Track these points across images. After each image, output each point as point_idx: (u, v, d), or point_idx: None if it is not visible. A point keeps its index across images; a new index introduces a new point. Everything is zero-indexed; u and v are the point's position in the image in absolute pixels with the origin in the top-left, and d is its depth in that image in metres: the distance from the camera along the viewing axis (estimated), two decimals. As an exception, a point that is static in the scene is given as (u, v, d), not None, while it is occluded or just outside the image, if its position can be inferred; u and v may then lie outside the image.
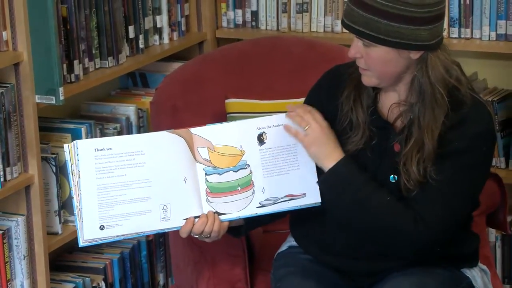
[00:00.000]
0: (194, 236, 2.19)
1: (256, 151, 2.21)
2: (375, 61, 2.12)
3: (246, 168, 2.20)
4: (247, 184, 2.20)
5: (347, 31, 2.98)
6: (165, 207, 2.16)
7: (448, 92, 2.13)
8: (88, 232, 2.12)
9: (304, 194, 2.21)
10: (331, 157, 2.18)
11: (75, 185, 2.13)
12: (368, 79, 2.17)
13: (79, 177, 2.11)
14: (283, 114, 2.22)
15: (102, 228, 2.12)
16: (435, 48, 2.11)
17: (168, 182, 2.16)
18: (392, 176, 2.18)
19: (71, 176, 2.13)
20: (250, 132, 2.21)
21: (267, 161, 2.21)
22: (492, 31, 3.05)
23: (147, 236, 3.07)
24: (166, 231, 2.19)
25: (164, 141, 2.17)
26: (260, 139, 2.21)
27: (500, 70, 3.17)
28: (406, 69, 2.14)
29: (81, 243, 2.13)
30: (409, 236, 2.13)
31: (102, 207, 2.12)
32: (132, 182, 2.14)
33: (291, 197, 2.21)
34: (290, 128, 2.20)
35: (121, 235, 2.15)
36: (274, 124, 2.22)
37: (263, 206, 2.21)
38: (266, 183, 2.21)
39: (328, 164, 2.17)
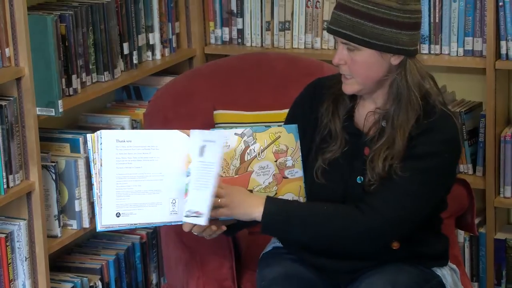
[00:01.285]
0: (194, 233, 2.18)
1: (195, 162, 2.14)
2: (359, 65, 2.12)
3: (188, 175, 2.15)
4: (186, 191, 2.15)
5: (326, 48, 3.00)
6: (173, 201, 2.15)
7: (420, 96, 2.14)
8: (106, 218, 2.11)
9: (201, 214, 2.12)
10: (253, 208, 2.14)
11: (96, 173, 2.12)
12: (350, 87, 2.17)
13: (101, 165, 2.10)
14: (227, 131, 2.19)
15: (118, 215, 2.11)
16: (413, 54, 2.13)
17: (177, 177, 2.14)
18: (358, 177, 2.19)
19: (92, 164, 2.12)
20: (198, 142, 2.15)
21: (198, 173, 2.13)
22: (460, 47, 3.06)
23: (141, 238, 3.06)
24: (173, 224, 2.17)
25: (175, 139, 2.15)
26: (201, 151, 2.14)
27: (467, 83, 3.18)
28: (387, 74, 2.15)
29: (99, 228, 2.12)
30: (364, 224, 2.11)
31: (119, 195, 2.11)
32: (147, 174, 2.13)
33: (198, 214, 2.12)
34: (214, 212, 2.12)
35: (134, 224, 2.14)
36: (212, 139, 2.15)
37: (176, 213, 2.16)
38: (191, 195, 2.14)
39: (256, 214, 2.14)
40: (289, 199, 2.21)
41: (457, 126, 2.19)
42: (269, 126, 2.24)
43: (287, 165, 2.22)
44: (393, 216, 2.12)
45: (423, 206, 2.18)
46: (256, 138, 2.21)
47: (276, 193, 2.21)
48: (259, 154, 2.21)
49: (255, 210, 2.14)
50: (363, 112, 2.22)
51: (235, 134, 2.20)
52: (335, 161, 2.20)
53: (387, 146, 2.13)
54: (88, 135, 2.13)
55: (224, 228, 2.20)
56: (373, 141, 2.17)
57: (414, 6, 2.10)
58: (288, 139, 2.23)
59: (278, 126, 2.24)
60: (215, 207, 2.12)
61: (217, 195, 2.11)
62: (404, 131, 2.12)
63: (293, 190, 2.23)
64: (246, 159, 2.20)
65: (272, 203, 2.15)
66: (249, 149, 2.20)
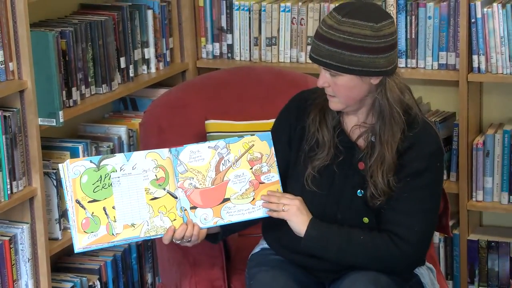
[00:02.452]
0: (176, 242, 2.17)
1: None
2: (341, 88, 2.12)
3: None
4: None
5: (310, 62, 2.98)
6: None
7: (402, 111, 2.14)
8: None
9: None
10: (301, 226, 2.19)
11: (69, 199, 2.10)
12: (335, 105, 2.17)
13: (72, 192, 2.09)
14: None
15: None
16: (391, 73, 2.13)
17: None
18: (359, 191, 2.19)
19: (65, 191, 2.10)
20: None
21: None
22: (435, 61, 3.07)
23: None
24: (152, 238, 2.17)
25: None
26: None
27: (442, 94, 3.19)
28: (368, 93, 2.15)
29: (76, 250, 2.10)
30: (397, 256, 2.16)
31: None
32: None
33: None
34: (272, 212, 2.20)
35: (111, 242, 2.11)
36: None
37: None
38: None
39: (303, 230, 2.18)
40: None
41: (437, 133, 2.21)
42: (242, 136, 2.23)
43: (263, 171, 2.22)
44: (421, 241, 2.18)
45: (436, 216, 2.25)
46: (230, 149, 2.20)
47: (253, 198, 2.20)
48: (234, 163, 2.20)
49: (302, 228, 2.18)
50: (349, 124, 2.23)
51: (209, 147, 2.20)
52: (326, 170, 2.20)
53: (380, 162, 2.14)
54: (59, 165, 2.10)
55: (204, 233, 2.19)
56: (367, 157, 2.17)
57: (387, 30, 2.09)
58: (262, 146, 2.22)
59: (251, 135, 2.23)
60: (276, 210, 2.18)
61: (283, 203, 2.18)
62: (392, 146, 2.14)
63: None
64: (221, 170, 2.19)
65: (313, 228, 2.17)
66: (223, 160, 2.20)
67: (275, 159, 2.23)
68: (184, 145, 2.19)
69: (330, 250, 2.18)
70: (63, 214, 2.73)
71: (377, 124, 2.15)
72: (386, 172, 2.13)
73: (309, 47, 3.18)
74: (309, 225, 2.17)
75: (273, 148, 2.23)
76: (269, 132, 2.25)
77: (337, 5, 2.15)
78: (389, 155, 2.13)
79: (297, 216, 2.18)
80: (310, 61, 3.14)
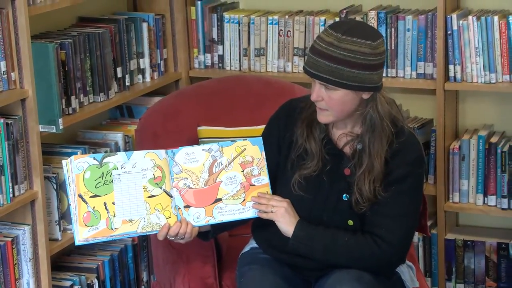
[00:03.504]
0: (170, 238, 2.16)
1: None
2: (335, 102, 2.12)
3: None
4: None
5: (296, 71, 2.98)
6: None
7: (391, 123, 2.15)
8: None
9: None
10: (289, 227, 2.19)
11: (71, 194, 2.09)
12: (325, 118, 2.16)
13: (75, 187, 2.08)
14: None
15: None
16: (381, 88, 2.14)
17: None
18: (344, 195, 2.19)
19: (68, 186, 2.09)
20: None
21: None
22: (413, 71, 3.08)
23: (133, 240, 3.04)
24: (147, 234, 2.16)
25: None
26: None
27: (420, 102, 3.20)
28: (358, 107, 2.15)
29: (77, 243, 2.09)
30: (379, 256, 2.16)
31: None
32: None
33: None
34: (262, 213, 2.20)
35: (110, 236, 2.10)
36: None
37: None
38: None
39: (290, 231, 2.18)
40: None
41: (419, 142, 2.22)
42: (235, 141, 2.23)
43: (254, 174, 2.22)
44: (403, 243, 2.18)
45: (416, 219, 2.25)
46: (223, 152, 2.20)
47: (244, 199, 2.20)
48: (226, 166, 2.20)
49: (289, 229, 2.18)
50: (336, 133, 2.22)
51: (203, 150, 2.20)
52: (314, 177, 2.20)
53: (368, 171, 2.14)
54: (63, 161, 2.10)
55: (196, 231, 2.19)
56: (352, 163, 2.17)
57: (382, 48, 2.10)
58: (254, 150, 2.22)
59: (244, 140, 2.23)
60: (266, 212, 2.18)
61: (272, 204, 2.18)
62: (380, 157, 2.14)
63: None
64: (214, 171, 2.19)
65: (300, 229, 2.17)
66: (216, 162, 2.20)
67: (266, 163, 2.23)
68: (180, 147, 2.19)
69: (315, 250, 2.17)
70: (63, 216, 2.72)
71: (366, 135, 2.15)
72: (374, 181, 2.13)
73: (295, 58, 3.19)
74: (296, 226, 2.17)
75: (264, 153, 2.23)
76: (261, 137, 2.25)
77: (331, 23, 2.16)
78: (378, 165, 2.13)
79: (284, 218, 2.18)
80: (296, 71, 3.18)
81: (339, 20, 2.19)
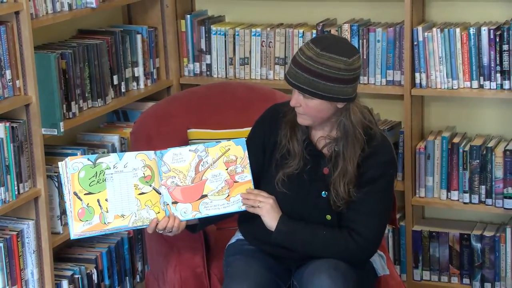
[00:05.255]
0: (159, 232, 2.16)
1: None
2: (311, 109, 2.14)
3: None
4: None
5: (277, 79, 2.97)
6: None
7: (363, 130, 2.16)
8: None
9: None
10: (273, 221, 2.19)
11: (67, 193, 2.07)
12: (303, 120, 2.18)
13: (70, 185, 2.06)
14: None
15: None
16: (354, 99, 2.15)
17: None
18: (323, 192, 2.20)
19: (64, 185, 2.07)
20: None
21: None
22: (383, 78, 3.09)
23: (128, 233, 3.02)
24: (138, 228, 2.16)
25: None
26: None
27: (389, 106, 3.21)
28: (333, 115, 2.16)
29: (72, 236, 2.08)
30: (353, 249, 2.16)
31: None
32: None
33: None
34: (249, 208, 2.19)
35: (103, 230, 2.09)
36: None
37: None
38: None
39: (274, 225, 2.18)
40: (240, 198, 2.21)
41: (392, 145, 2.23)
42: (219, 141, 2.22)
43: (237, 171, 2.21)
44: (375, 237, 2.19)
45: (388, 216, 2.26)
46: (208, 152, 2.20)
47: (228, 195, 2.20)
48: (211, 164, 2.20)
49: (273, 224, 2.18)
50: (315, 136, 2.23)
51: (189, 150, 2.19)
52: (296, 175, 2.20)
53: (343, 174, 2.15)
54: (59, 163, 2.09)
55: (184, 224, 2.18)
56: (330, 163, 2.18)
57: (357, 64, 2.11)
58: (237, 150, 2.22)
59: (227, 140, 2.23)
60: (253, 206, 2.18)
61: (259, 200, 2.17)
62: (353, 162, 2.15)
63: (243, 191, 2.22)
64: (200, 170, 2.19)
65: (282, 224, 2.17)
66: (202, 161, 2.19)
67: (248, 161, 2.22)
68: (168, 148, 2.19)
69: (296, 243, 2.18)
70: (64, 212, 2.70)
71: (340, 141, 2.17)
72: (348, 183, 2.15)
73: (276, 66, 3.19)
74: (279, 221, 2.17)
75: (246, 152, 2.22)
76: (244, 138, 2.25)
77: (314, 37, 2.18)
78: (351, 169, 2.15)
79: (269, 213, 2.18)
80: (277, 78, 3.18)
81: (321, 35, 2.22)
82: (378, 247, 2.25)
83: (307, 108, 2.14)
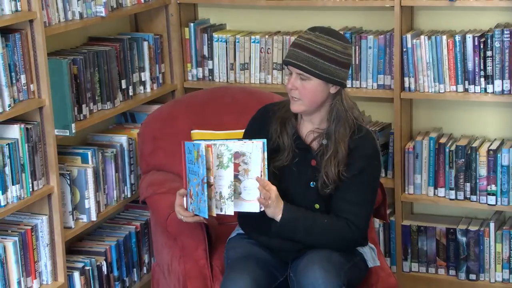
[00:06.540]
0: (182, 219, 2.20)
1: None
2: (308, 91, 2.15)
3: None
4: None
5: (275, 83, 2.97)
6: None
7: (353, 120, 2.18)
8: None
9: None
10: (278, 211, 2.17)
11: (201, 178, 2.07)
12: (298, 107, 2.19)
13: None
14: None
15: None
16: (345, 86, 2.19)
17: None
18: (312, 183, 2.21)
19: (199, 169, 2.07)
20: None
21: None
22: (374, 82, 3.09)
23: (136, 227, 3.03)
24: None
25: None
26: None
27: (380, 109, 3.21)
28: (326, 100, 2.17)
29: (207, 216, 2.09)
30: (349, 238, 2.19)
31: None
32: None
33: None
34: (260, 199, 2.15)
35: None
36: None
37: None
38: None
39: (279, 214, 2.17)
40: None
41: (375, 139, 2.26)
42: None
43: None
44: (365, 225, 2.22)
45: (374, 205, 2.28)
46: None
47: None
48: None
49: (278, 212, 2.16)
50: (304, 130, 2.24)
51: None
52: (286, 168, 2.21)
53: (333, 156, 2.16)
54: (201, 146, 2.06)
55: (202, 219, 2.19)
56: (318, 155, 2.19)
57: (350, 51, 2.17)
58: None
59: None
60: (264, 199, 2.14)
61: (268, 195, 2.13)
62: (344, 142, 2.17)
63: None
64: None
65: (287, 211, 2.16)
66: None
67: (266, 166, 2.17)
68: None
69: (299, 231, 2.18)
70: (75, 207, 2.70)
71: (331, 127, 2.18)
72: (338, 164, 2.16)
73: (274, 71, 3.20)
74: (283, 210, 2.17)
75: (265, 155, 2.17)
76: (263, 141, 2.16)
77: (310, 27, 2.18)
78: (342, 149, 2.16)
79: (274, 208, 2.16)
80: (275, 82, 3.19)
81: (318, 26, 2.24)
82: (365, 234, 2.27)
83: (304, 91, 2.15)
